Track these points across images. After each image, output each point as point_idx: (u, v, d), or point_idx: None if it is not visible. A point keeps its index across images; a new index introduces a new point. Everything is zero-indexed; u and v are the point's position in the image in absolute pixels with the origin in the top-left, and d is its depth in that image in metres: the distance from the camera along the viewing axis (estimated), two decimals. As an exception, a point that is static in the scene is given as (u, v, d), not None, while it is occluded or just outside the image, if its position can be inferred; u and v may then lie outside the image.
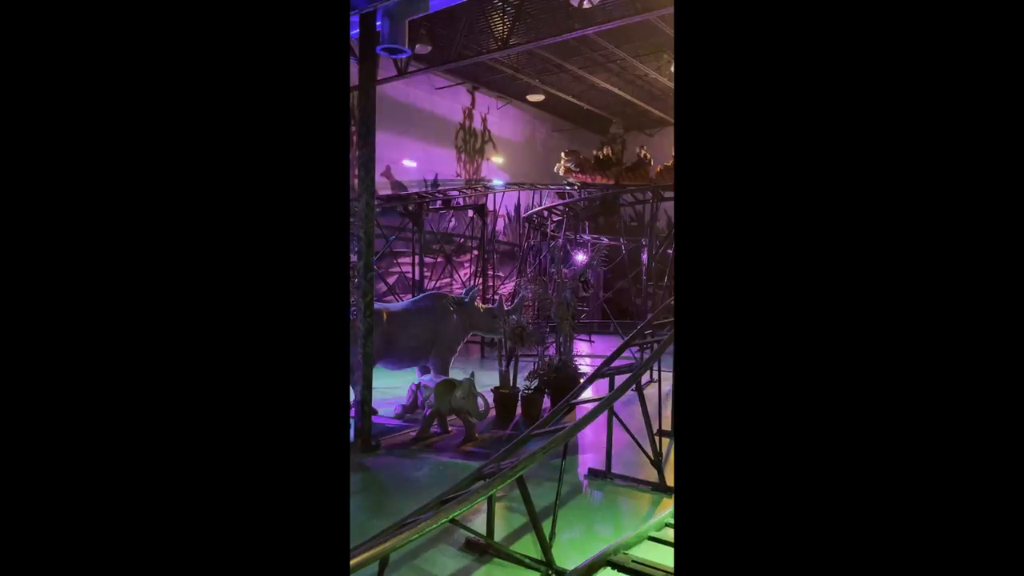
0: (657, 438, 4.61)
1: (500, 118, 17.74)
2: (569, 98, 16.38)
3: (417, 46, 10.32)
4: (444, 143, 16.26)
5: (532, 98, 16.89)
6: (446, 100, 16.08)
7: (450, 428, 5.92)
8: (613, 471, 4.61)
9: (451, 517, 2.80)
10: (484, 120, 17.41)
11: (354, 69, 5.72)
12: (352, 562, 2.41)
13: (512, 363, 6.60)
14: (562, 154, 14.72)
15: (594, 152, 14.88)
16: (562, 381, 6.40)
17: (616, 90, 15.53)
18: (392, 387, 7.28)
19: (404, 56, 7.15)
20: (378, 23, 6.09)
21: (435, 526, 2.75)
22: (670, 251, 11.86)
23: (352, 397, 5.79)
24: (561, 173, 14.80)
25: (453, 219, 15.59)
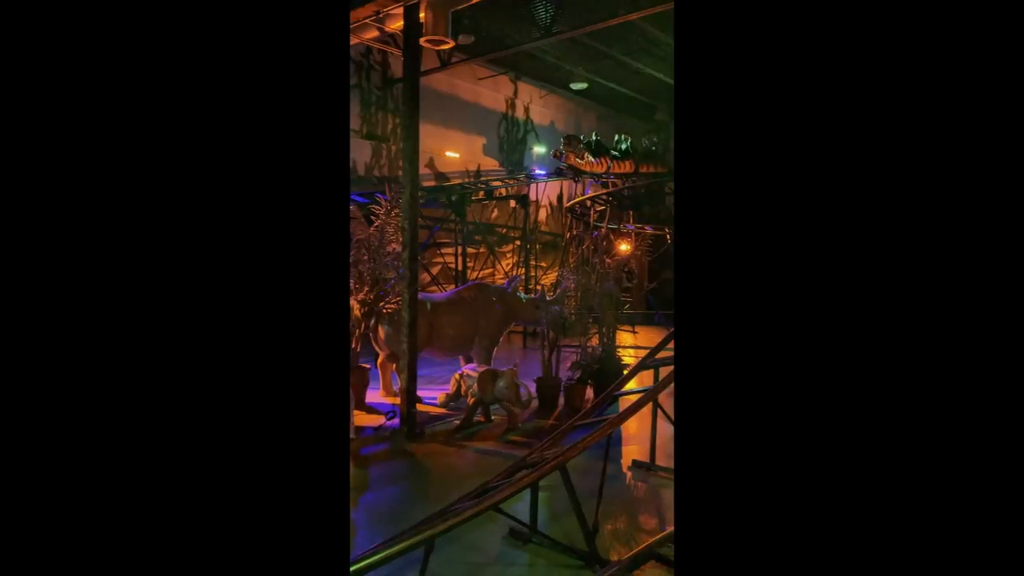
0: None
1: (543, 107, 17.62)
2: (613, 85, 16.14)
3: (460, 36, 10.33)
4: (487, 133, 16.27)
5: (575, 86, 16.71)
6: (488, 90, 16.07)
7: (493, 417, 5.97)
8: (657, 463, 4.56)
9: (495, 505, 2.83)
10: (527, 109, 17.34)
11: (399, 62, 5.77)
12: (398, 547, 2.47)
13: (555, 353, 6.60)
14: (561, 140, 13.78)
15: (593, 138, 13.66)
16: (605, 372, 6.37)
17: (661, 76, 15.20)
18: (436, 376, 7.38)
19: (447, 47, 7.17)
20: (422, 15, 6.12)
21: (479, 513, 2.78)
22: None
23: (397, 385, 5.90)
24: (554, 156, 13.85)
25: (496, 209, 15.62)
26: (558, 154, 13.30)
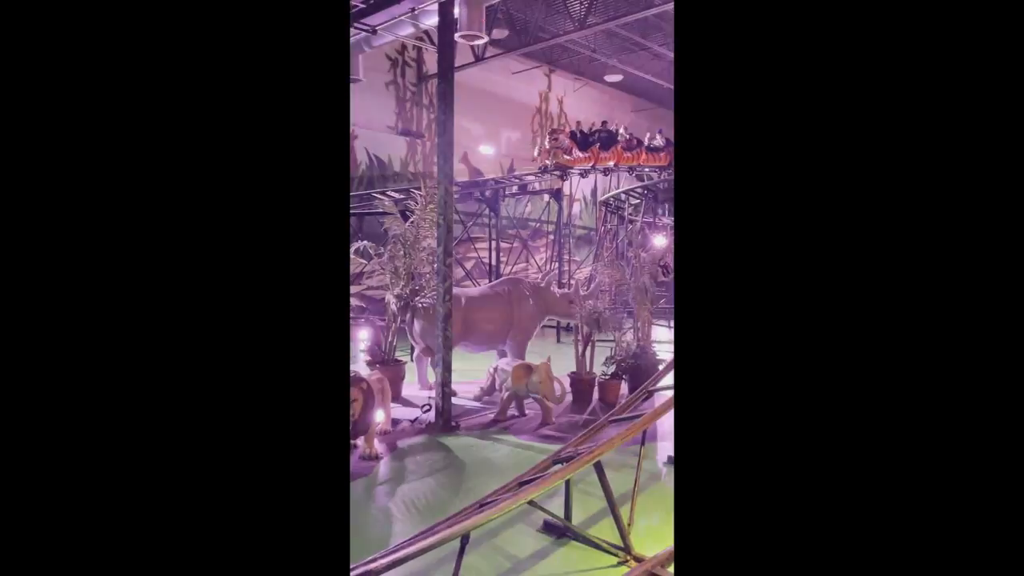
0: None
1: (577, 100, 17.50)
2: (649, 77, 15.91)
3: (494, 31, 10.33)
4: (521, 127, 16.25)
5: (610, 78, 16.53)
6: (522, 84, 16.04)
7: (527, 411, 5.99)
8: (693, 460, 4.50)
9: (529, 499, 2.85)
10: (560, 103, 17.24)
11: (433, 58, 5.81)
12: (435, 538, 2.50)
13: (589, 348, 6.57)
14: (547, 134, 12.72)
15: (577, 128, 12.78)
16: (640, 367, 6.31)
17: (698, 66, 14.89)
18: (471, 369, 7.43)
19: (481, 42, 7.18)
20: (456, 11, 6.14)
21: (514, 507, 2.80)
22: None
23: (433, 378, 5.97)
24: (538, 155, 12.75)
25: (529, 204, 15.60)
26: (542, 152, 12.27)
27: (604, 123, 12.88)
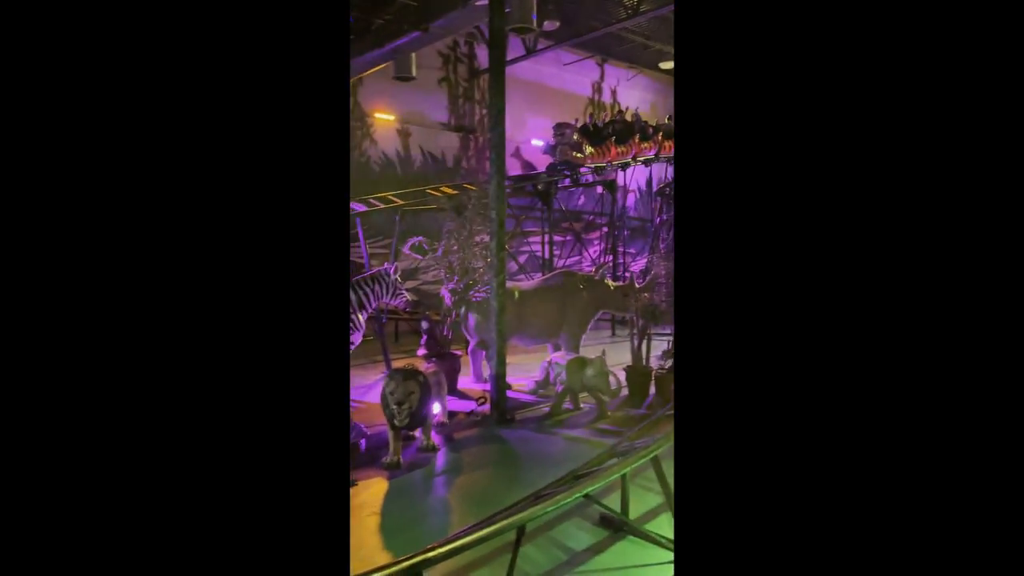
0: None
1: (630, 89, 17.20)
2: (704, 62, 15.46)
3: (545, 23, 10.26)
4: (573, 119, 16.14)
5: (664, 66, 16.16)
6: (574, 75, 15.89)
7: (582, 405, 5.96)
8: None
9: (585, 492, 2.84)
10: (614, 93, 16.99)
11: (484, 53, 5.82)
12: (490, 529, 2.53)
13: (644, 342, 6.48)
14: (552, 128, 11.48)
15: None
16: (698, 361, 6.16)
17: (757, 49, 14.36)
18: (525, 363, 7.46)
19: (533, 35, 7.16)
20: (507, 6, 6.14)
21: (570, 499, 2.80)
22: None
23: (487, 372, 6.02)
24: (544, 153, 11.56)
25: (582, 196, 15.47)
26: (550, 150, 10.99)
27: (619, 112, 11.69)
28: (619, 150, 11.15)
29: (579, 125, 11.33)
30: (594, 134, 11.03)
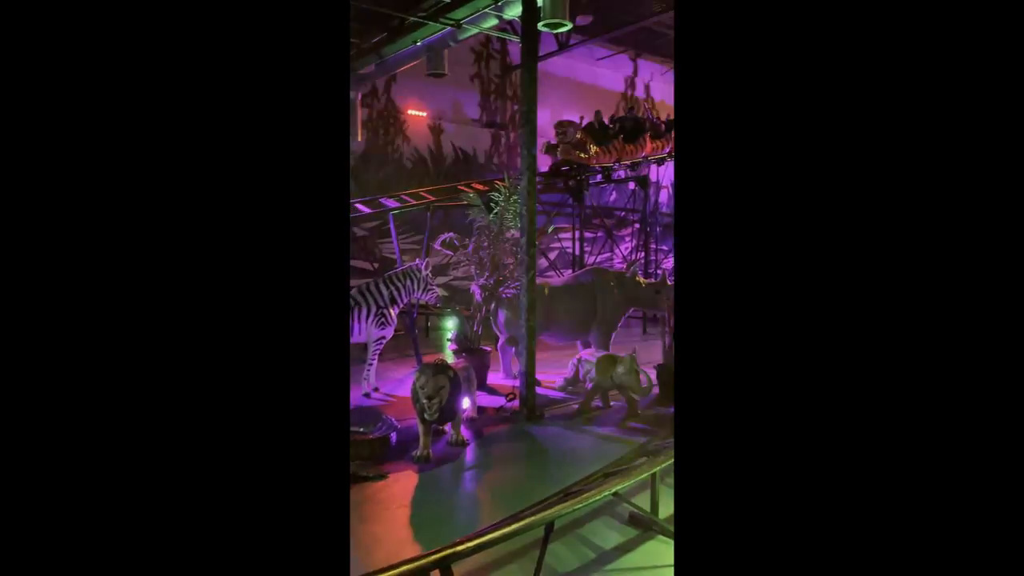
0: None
1: (664, 84, 16.97)
2: (741, 56, 15.15)
3: (578, 18, 10.19)
4: (606, 115, 15.99)
5: (699, 60, 15.89)
6: (607, 71, 15.74)
7: (612, 403, 5.92)
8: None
9: (614, 490, 2.82)
10: (647, 88, 16.78)
11: (516, 48, 5.81)
12: (519, 525, 2.54)
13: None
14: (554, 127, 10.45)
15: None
16: (731, 360, 6.05)
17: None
18: (556, 360, 7.44)
19: (565, 30, 7.11)
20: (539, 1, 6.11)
21: (599, 497, 2.78)
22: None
23: (516, 368, 6.03)
24: (545, 152, 10.48)
25: (614, 192, 15.34)
26: (551, 149, 10.00)
27: (631, 109, 10.86)
28: (628, 148, 10.30)
29: (584, 123, 10.62)
30: (599, 132, 10.24)
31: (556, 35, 10.65)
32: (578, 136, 10.02)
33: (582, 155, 10.01)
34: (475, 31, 8.77)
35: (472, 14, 8.28)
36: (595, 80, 15.54)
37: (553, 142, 9.97)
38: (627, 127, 10.42)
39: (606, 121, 10.73)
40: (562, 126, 10.02)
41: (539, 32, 6.07)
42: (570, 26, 7.10)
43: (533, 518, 2.57)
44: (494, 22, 8.46)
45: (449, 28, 8.55)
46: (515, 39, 8.12)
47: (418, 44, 9.03)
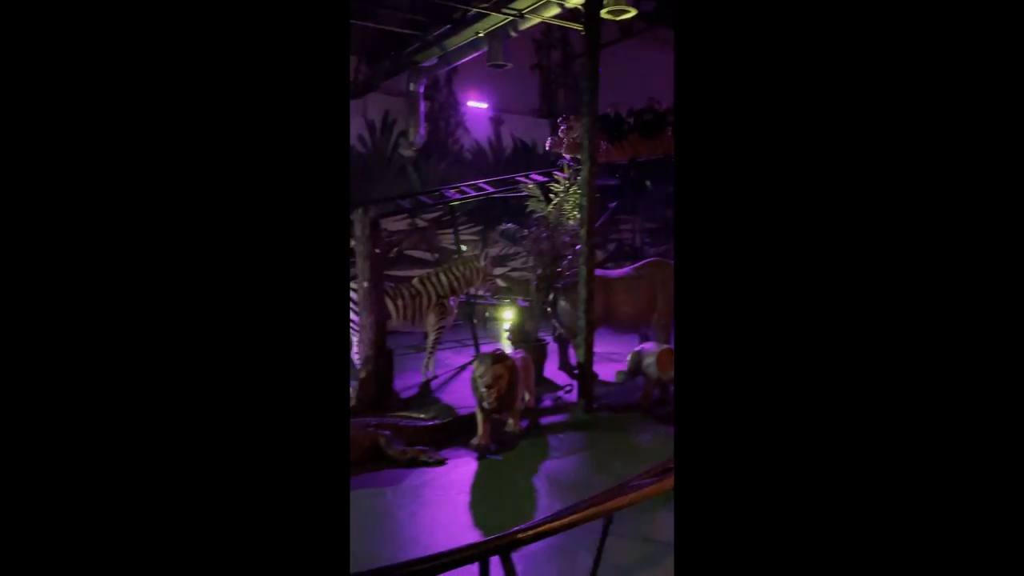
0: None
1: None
2: (814, 39, 14.45)
3: (642, 3, 9.96)
4: (668, 103, 15.62)
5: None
6: (671, 57, 15.35)
7: (670, 397, 5.83)
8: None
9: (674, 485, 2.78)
10: (712, 75, 16.28)
11: (580, 38, 5.75)
12: (577, 516, 2.54)
13: (740, 335, 6.21)
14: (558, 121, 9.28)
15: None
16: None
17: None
18: (613, 352, 7.38)
19: (628, 16, 6.98)
20: (603, -14, 6.01)
21: (660, 491, 2.75)
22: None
23: (574, 360, 6.01)
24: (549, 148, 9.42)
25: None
26: (555, 144, 8.91)
27: (652, 100, 9.50)
28: (645, 145, 8.91)
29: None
30: (612, 127, 8.98)
31: (619, 22, 10.45)
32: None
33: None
34: (536, 20, 8.73)
35: (535, 4, 8.25)
36: (660, 69, 15.19)
37: (560, 137, 8.87)
38: (645, 121, 9.15)
39: (624, 114, 9.53)
40: (567, 120, 8.90)
41: (602, 20, 5.98)
42: (634, 12, 6.95)
43: (591, 510, 2.57)
44: (556, 10, 8.39)
45: (511, 18, 8.54)
46: (578, 27, 8.01)
47: (480, 35, 9.06)
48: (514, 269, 11.43)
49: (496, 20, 8.71)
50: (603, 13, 5.94)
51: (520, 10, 8.42)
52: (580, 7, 6.03)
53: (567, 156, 8.91)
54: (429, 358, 6.66)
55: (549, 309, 6.86)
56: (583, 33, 5.74)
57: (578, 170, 5.98)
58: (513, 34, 9.35)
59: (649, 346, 6.03)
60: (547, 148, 9.56)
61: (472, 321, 8.13)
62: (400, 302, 6.50)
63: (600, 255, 7.83)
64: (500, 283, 6.61)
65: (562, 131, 8.88)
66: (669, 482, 2.77)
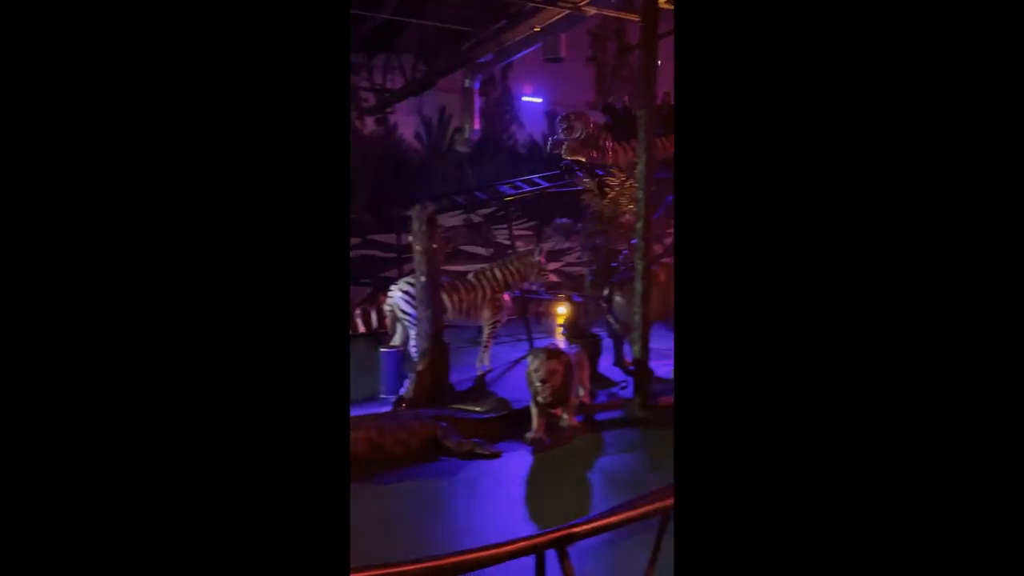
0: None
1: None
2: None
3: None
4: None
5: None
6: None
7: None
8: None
9: (735, 486, 2.72)
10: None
11: (636, 28, 5.66)
12: (634, 512, 2.52)
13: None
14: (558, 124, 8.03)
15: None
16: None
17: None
18: (669, 348, 7.25)
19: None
20: (661, -25, 5.88)
21: (718, 492, 2.70)
22: None
23: (630, 355, 5.95)
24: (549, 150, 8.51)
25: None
26: (555, 146, 7.99)
27: (668, 94, 8.52)
28: (662, 143, 7.81)
29: (597, 118, 8.29)
30: (622, 125, 8.15)
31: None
32: (590, 130, 7.81)
33: (595, 153, 7.85)
34: (594, 12, 8.62)
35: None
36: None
37: (558, 138, 8.03)
38: (662, 117, 8.10)
39: (634, 111, 8.22)
40: (567, 120, 7.89)
41: (660, 10, 5.86)
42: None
43: (649, 507, 2.55)
44: (612, 1, 8.26)
45: (568, 11, 8.48)
46: (635, 18, 7.85)
47: (536, 30, 9.04)
48: (568, 264, 11.39)
49: (553, 14, 8.66)
50: (661, 2, 5.82)
51: (577, 3, 8.34)
52: (638, -2, 5.93)
53: (567, 159, 8.06)
54: (484, 352, 6.73)
55: (604, 304, 6.81)
56: (640, 23, 5.64)
57: (635, 162, 5.89)
58: (569, 27, 9.28)
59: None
60: (547, 150, 8.76)
61: (526, 316, 8.16)
62: (456, 296, 6.59)
63: (657, 249, 7.73)
64: (554, 278, 6.59)
65: (562, 131, 7.88)
66: (729, 482, 2.71)
